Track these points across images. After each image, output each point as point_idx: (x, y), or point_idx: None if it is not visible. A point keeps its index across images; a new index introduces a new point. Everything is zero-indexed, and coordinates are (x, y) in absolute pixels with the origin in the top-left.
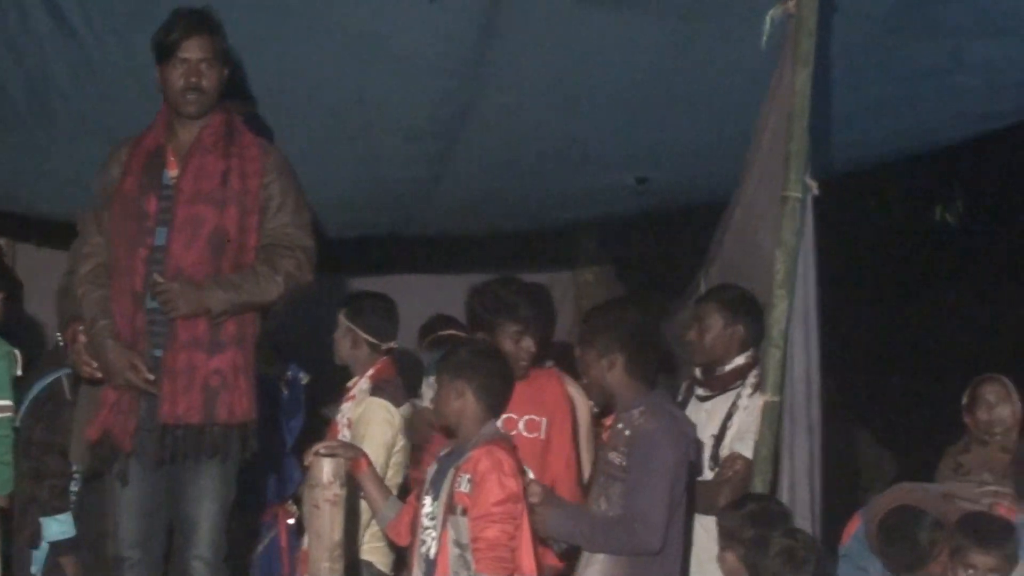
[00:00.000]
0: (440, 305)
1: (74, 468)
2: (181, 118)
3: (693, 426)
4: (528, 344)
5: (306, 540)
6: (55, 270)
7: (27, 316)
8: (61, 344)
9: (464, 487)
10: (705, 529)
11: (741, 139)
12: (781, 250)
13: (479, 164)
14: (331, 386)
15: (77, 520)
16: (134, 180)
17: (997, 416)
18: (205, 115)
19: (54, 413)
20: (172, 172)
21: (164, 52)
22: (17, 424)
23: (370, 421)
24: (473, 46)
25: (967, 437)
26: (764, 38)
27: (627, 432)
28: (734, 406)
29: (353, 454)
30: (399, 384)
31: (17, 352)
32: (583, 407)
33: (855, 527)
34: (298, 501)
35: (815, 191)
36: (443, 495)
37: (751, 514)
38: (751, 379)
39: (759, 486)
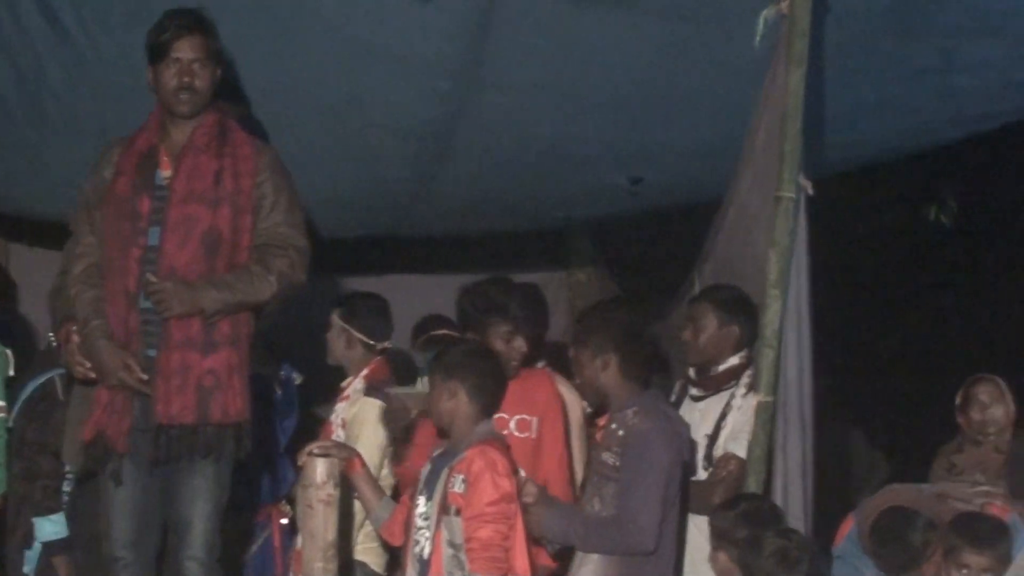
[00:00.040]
0: (433, 305)
1: (67, 468)
2: (174, 118)
3: (687, 426)
4: (519, 344)
5: (299, 540)
6: (48, 270)
7: (20, 316)
8: (54, 344)
9: (458, 487)
10: (699, 529)
11: (735, 139)
12: (775, 250)
13: (474, 164)
14: (323, 386)
15: (70, 520)
16: (127, 180)
17: (990, 416)
18: (198, 115)
19: (47, 413)
20: (165, 172)
21: (157, 52)
22: (10, 424)
23: (364, 421)
24: (468, 46)
25: (960, 437)
26: (758, 38)
27: (621, 432)
28: (728, 406)
29: (347, 454)
30: (393, 384)
31: (10, 352)
32: (575, 407)
33: (848, 528)
34: (292, 501)
35: (809, 191)
36: (437, 495)
37: (744, 514)
38: (745, 379)
39: (753, 486)
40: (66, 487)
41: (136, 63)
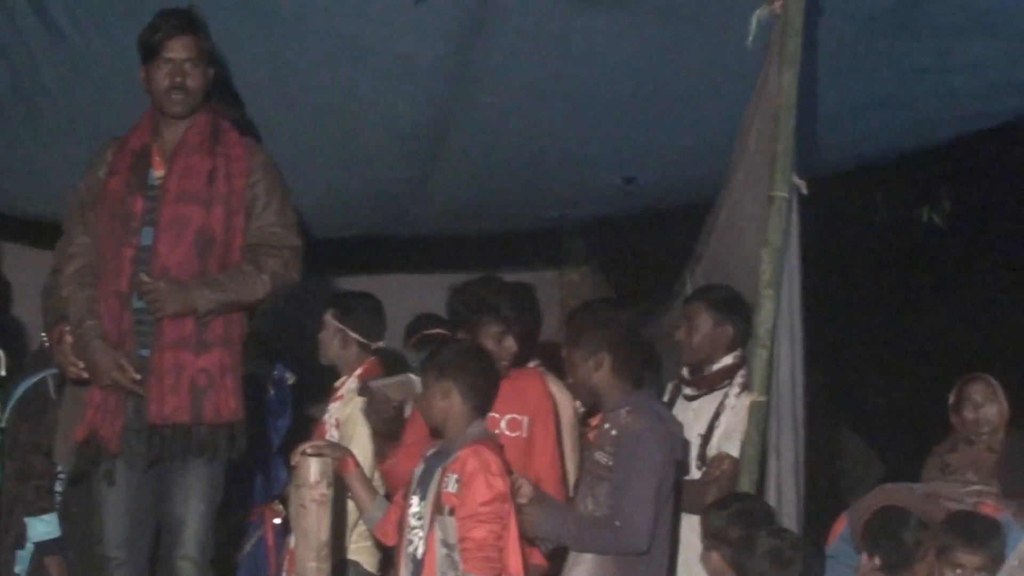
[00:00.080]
0: (426, 304)
1: (59, 468)
2: (166, 118)
3: (680, 426)
4: (509, 344)
5: (293, 540)
6: (41, 270)
7: (12, 316)
8: (47, 345)
9: (451, 487)
10: (692, 529)
11: (728, 140)
12: (767, 250)
13: (467, 164)
14: (316, 386)
15: (62, 520)
16: (120, 180)
17: (983, 415)
18: (190, 115)
19: (39, 413)
20: (158, 172)
21: (149, 52)
22: (3, 424)
23: (358, 421)
24: (460, 47)
25: (954, 436)
26: (750, 38)
27: (614, 432)
28: (722, 406)
29: (340, 454)
30: None
31: (1, 352)
32: (566, 406)
33: (841, 527)
34: (284, 501)
35: (804, 190)
36: (430, 495)
37: (737, 514)
38: (739, 379)
39: (746, 486)
40: (58, 487)
41: (131, 63)
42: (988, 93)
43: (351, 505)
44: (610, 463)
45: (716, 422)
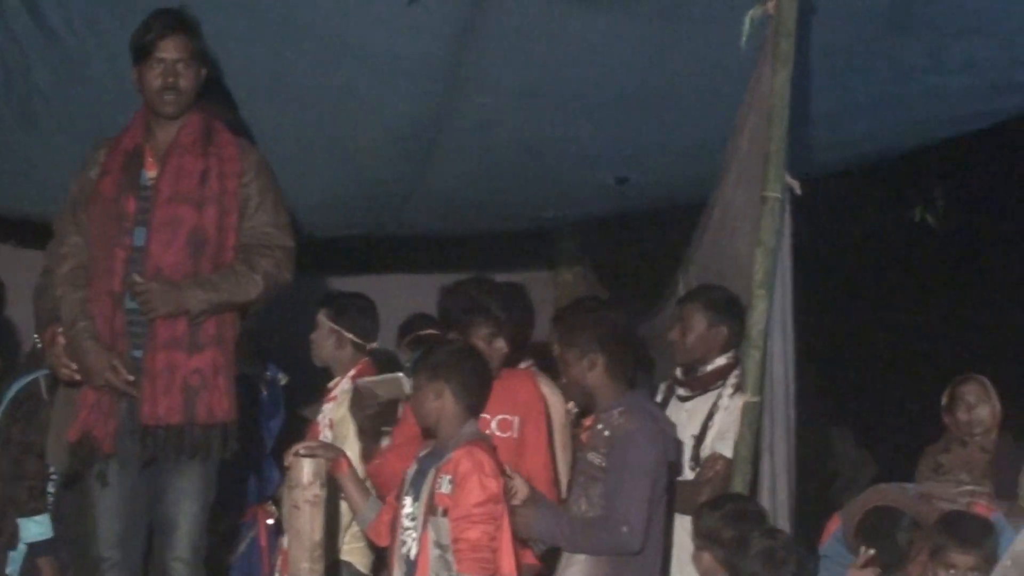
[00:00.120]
0: (419, 305)
1: (51, 469)
2: (159, 118)
3: (673, 426)
4: (500, 344)
5: (286, 541)
6: (34, 271)
7: (5, 317)
8: (39, 346)
9: (445, 488)
10: (685, 529)
11: (721, 140)
12: (760, 250)
13: (461, 164)
14: (308, 387)
15: (55, 521)
16: (112, 180)
17: (976, 416)
18: (183, 115)
19: (32, 414)
20: (150, 172)
21: (141, 52)
22: None
23: (351, 422)
24: (454, 47)
25: (946, 437)
26: (744, 39)
27: (607, 432)
28: (715, 406)
29: (333, 455)
30: None
31: None
32: (558, 407)
33: (834, 527)
34: (277, 502)
35: (797, 190)
36: (423, 496)
37: (730, 514)
38: (732, 379)
39: (739, 486)
40: (51, 488)
41: (124, 64)
42: (983, 93)
43: (344, 506)
44: (603, 464)
45: (709, 423)
